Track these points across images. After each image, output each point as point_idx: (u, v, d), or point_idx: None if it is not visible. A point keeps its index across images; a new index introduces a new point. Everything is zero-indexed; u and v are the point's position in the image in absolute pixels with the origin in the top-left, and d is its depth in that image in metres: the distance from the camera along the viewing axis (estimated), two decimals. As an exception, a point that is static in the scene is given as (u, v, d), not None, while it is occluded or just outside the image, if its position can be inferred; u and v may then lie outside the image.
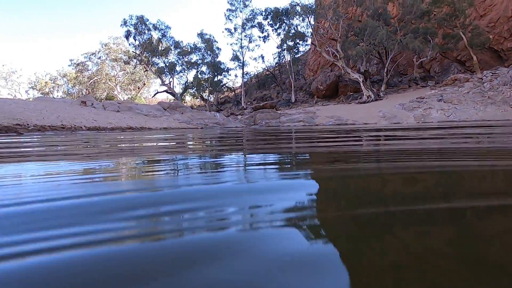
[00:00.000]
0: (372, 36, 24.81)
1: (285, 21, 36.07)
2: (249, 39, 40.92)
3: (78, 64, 55.88)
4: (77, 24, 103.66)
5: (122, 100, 37.77)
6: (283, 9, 34.83)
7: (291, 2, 31.24)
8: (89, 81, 55.68)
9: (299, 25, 36.21)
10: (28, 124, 7.06)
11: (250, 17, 39.03)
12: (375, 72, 36.35)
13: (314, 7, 30.03)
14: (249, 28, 40.01)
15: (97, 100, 23.35)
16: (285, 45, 38.23)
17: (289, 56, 39.18)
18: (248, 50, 42.17)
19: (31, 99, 33.57)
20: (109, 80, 56.37)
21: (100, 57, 55.58)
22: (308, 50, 47.23)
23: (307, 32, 36.52)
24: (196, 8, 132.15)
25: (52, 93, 58.89)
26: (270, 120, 18.12)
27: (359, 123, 16.77)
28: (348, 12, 30.37)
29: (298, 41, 37.70)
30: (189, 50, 43.16)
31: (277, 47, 40.36)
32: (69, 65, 57.85)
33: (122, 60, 48.14)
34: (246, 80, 45.53)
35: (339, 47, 27.09)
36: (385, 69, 28.48)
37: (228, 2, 38.92)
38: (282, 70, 45.26)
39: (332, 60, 28.93)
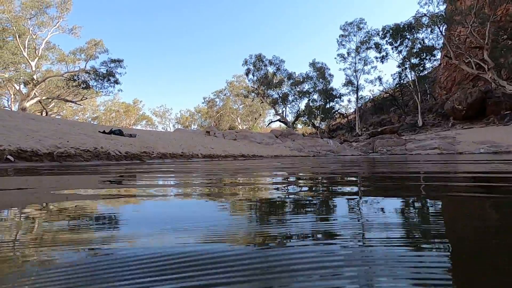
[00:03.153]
0: (542, 35, 18.63)
1: (408, 36, 32.24)
2: (364, 62, 38.68)
3: (209, 101, 66.61)
4: (211, 67, 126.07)
5: (241, 129, 41.93)
6: (404, 23, 31.40)
7: (416, 14, 27.74)
8: (216, 114, 65.10)
9: (426, 38, 31.62)
10: (153, 152, 8.27)
11: (365, 39, 37.13)
12: (547, 82, 27.04)
13: (444, 14, 25.58)
14: (363, 50, 38.01)
15: (221, 131, 26.51)
16: (407, 63, 33.99)
17: (412, 74, 34.48)
18: (363, 73, 39.87)
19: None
20: (231, 113, 64.30)
21: (225, 94, 64.59)
22: (437, 66, 40.34)
23: (437, 45, 31.37)
24: (308, 38, 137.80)
25: (190, 126, 71.85)
26: (392, 147, 15.58)
27: (531, 150, 12.18)
28: (497, 13, 24.28)
29: (424, 56, 32.83)
30: (301, 80, 44.49)
31: (398, 66, 36.35)
32: (202, 103, 69.81)
33: (242, 95, 54.14)
34: (360, 105, 42.67)
35: (487, 56, 21.63)
36: None
37: (340, 28, 38.48)
38: (403, 91, 40.16)
39: (476, 72, 23.32)
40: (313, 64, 43.22)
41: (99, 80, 34.80)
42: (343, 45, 39.19)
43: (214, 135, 19.27)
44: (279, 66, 44.56)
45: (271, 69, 44.56)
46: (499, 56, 22.11)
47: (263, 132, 40.63)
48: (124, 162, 7.16)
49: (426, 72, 36.74)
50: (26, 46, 30.40)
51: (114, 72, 34.47)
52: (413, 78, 34.51)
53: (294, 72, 45.22)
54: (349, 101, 45.44)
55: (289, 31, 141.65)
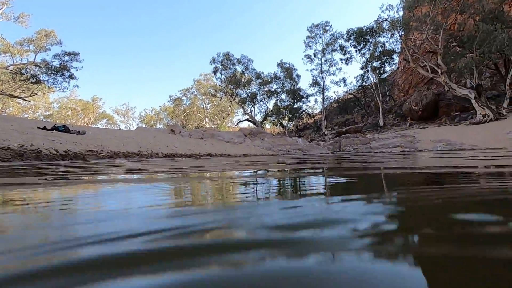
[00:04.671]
0: (486, 43, 20.41)
1: (370, 40, 33.78)
2: (330, 63, 39.83)
3: (175, 100, 64.38)
4: (177, 65, 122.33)
5: (208, 128, 40.95)
6: (367, 27, 32.84)
7: (377, 18, 29.09)
8: (183, 114, 63.15)
9: (387, 42, 33.40)
10: (102, 151, 7.41)
11: (330, 41, 38.22)
12: (489, 86, 29.91)
13: (401, 20, 27.16)
14: (329, 52, 39.12)
15: (187, 130, 25.52)
16: (369, 66, 35.65)
17: (374, 77, 36.26)
18: (329, 74, 41.02)
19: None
20: (199, 112, 62.78)
21: (192, 92, 62.92)
22: (396, 70, 42.93)
23: (396, 49, 33.30)
24: (276, 38, 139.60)
25: (155, 125, 68.83)
26: (358, 146, 16.03)
27: (480, 148, 13.16)
28: (448, 22, 26.34)
29: (385, 59, 34.67)
30: (270, 79, 44.65)
31: (361, 68, 37.95)
32: (168, 101, 67.23)
33: (210, 94, 53.06)
34: (326, 105, 43.96)
35: (440, 60, 23.25)
36: (507, 81, 22.89)
37: (307, 29, 39.24)
38: (366, 93, 42.11)
39: (431, 76, 24.99)
40: (281, 65, 43.62)
41: (52, 75, 31.76)
42: (310, 46, 40.04)
43: (179, 134, 18.40)
44: (247, 65, 44.30)
45: (239, 68, 44.17)
46: (450, 61, 23.91)
47: (231, 131, 39.99)
48: (59, 162, 6.14)
49: (386, 75, 38.85)
50: (-39, 34, 26.78)
51: (69, 66, 31.68)
52: (374, 81, 36.24)
53: (263, 72, 45.28)
54: (315, 101, 46.64)
55: (258, 31, 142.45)
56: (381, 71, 36.15)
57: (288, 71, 42.86)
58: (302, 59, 41.33)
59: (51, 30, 31.11)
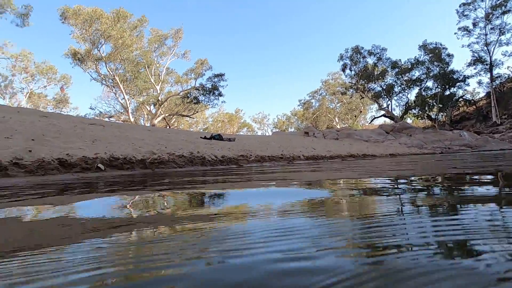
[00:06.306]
0: None
1: None
2: (500, 31, 30.38)
3: (304, 103, 65.95)
4: (304, 68, 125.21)
5: (342, 127, 39.34)
6: None
7: None
8: (313, 116, 63.79)
9: None
10: (251, 156, 7.96)
11: (499, 2, 29.19)
12: None
13: None
14: (497, 16, 29.93)
15: (320, 131, 25.37)
16: None
17: None
18: (499, 46, 31.25)
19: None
20: (328, 113, 61.75)
21: (321, 94, 62.65)
22: None
23: None
24: (414, 21, 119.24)
25: (287, 129, 72.83)
26: None
27: None
28: None
29: None
30: (410, 66, 38.57)
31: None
32: (298, 105, 69.64)
33: (339, 92, 51.23)
34: (495, 86, 33.75)
35: None
36: None
37: (461, -5, 31.57)
38: None
39: None
40: (424, 46, 36.91)
41: (206, 95, 39.12)
42: (466, 15, 31.98)
43: (313, 136, 18.39)
44: (380, 55, 40.03)
45: (370, 60, 40.49)
46: None
47: (366, 129, 36.92)
48: (219, 167, 6.89)
49: None
50: (152, 74, 37.11)
51: (217, 85, 38.14)
52: None
53: (400, 59, 39.68)
54: (479, 83, 36.02)
55: (388, 13, 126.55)
56: None
57: (435, 52, 35.71)
58: (455, 33, 33.58)
59: (205, 58, 38.43)
